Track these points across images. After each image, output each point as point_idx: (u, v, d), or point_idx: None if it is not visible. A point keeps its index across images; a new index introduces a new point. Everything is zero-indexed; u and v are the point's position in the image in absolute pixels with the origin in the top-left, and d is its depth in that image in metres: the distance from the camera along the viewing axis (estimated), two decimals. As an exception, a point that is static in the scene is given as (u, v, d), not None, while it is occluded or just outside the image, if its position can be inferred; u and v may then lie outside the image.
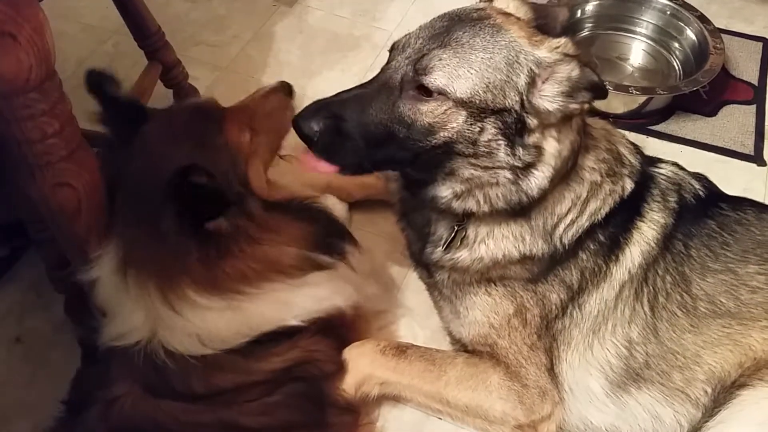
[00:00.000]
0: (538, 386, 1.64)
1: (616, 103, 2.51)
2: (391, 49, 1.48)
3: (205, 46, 2.80)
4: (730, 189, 1.84)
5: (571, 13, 1.61)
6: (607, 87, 2.32)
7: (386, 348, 1.72)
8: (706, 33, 2.60)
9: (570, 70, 1.38)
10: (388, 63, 1.46)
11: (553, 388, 1.65)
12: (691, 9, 2.70)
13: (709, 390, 1.59)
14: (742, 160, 2.46)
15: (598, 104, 2.45)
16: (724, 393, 1.56)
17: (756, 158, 2.46)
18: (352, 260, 1.73)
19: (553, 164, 1.47)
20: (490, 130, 1.41)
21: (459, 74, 1.36)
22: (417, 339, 1.94)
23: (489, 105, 1.38)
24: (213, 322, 1.49)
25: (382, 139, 1.42)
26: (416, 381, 1.69)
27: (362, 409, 1.74)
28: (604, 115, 2.48)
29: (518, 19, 1.48)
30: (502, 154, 1.43)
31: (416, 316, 2.00)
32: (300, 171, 1.96)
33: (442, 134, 1.40)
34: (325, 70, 2.71)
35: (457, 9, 1.48)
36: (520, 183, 1.48)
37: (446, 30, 1.41)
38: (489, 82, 1.37)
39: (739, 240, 1.65)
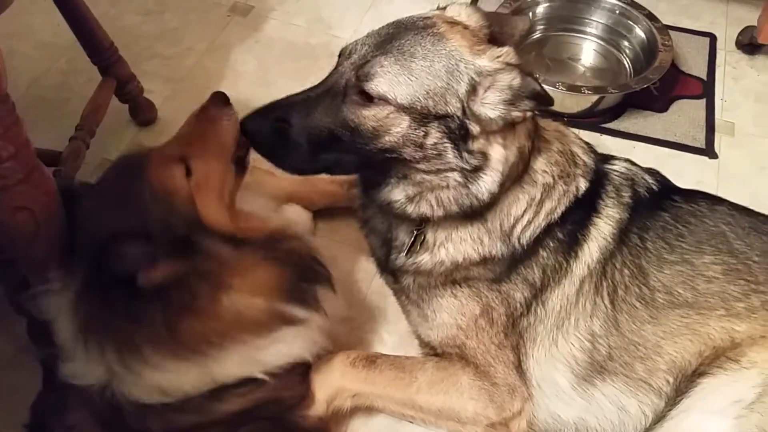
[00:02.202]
0: (507, 384, 1.66)
1: (570, 103, 2.55)
2: (340, 55, 1.51)
3: (160, 59, 2.77)
4: (683, 182, 1.88)
5: (530, 21, 1.63)
6: (559, 89, 2.39)
7: (356, 359, 1.72)
8: (655, 30, 2.66)
9: (511, 79, 1.40)
10: (335, 68, 1.50)
11: (521, 385, 1.68)
12: (639, 7, 2.75)
13: (671, 379, 1.62)
14: (694, 153, 2.51)
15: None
16: (685, 382, 1.59)
17: (707, 151, 2.52)
18: (326, 307, 1.65)
19: (500, 170, 1.50)
20: (435, 134, 1.44)
21: (399, 81, 1.40)
22: (385, 345, 1.95)
23: (431, 111, 1.42)
24: (175, 379, 1.45)
25: (327, 142, 1.46)
26: (388, 390, 1.70)
27: (332, 427, 1.74)
28: (558, 115, 2.53)
29: (465, 27, 1.50)
30: (450, 156, 1.46)
31: (383, 321, 2.01)
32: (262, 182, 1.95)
33: (387, 138, 1.44)
34: (282, 79, 2.71)
35: (405, 17, 1.50)
36: (470, 187, 1.51)
37: (391, 37, 1.44)
38: (429, 89, 1.41)
39: (694, 231, 1.69)
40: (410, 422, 1.78)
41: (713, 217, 1.72)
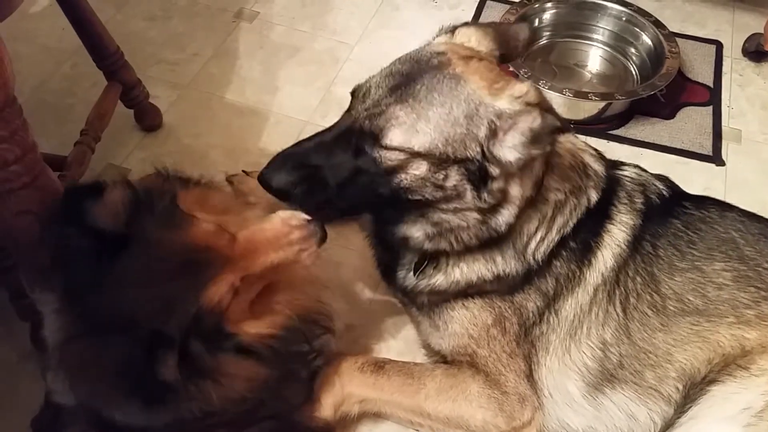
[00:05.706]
0: (517, 393, 1.65)
1: (577, 110, 2.54)
2: (353, 95, 1.46)
3: (166, 64, 2.76)
4: (690, 189, 1.87)
5: (530, 29, 1.60)
6: (566, 95, 2.39)
7: (364, 365, 1.71)
8: (662, 37, 2.65)
9: (531, 121, 1.37)
10: (348, 110, 1.45)
11: (532, 394, 1.67)
12: (645, 14, 2.75)
13: (681, 387, 1.61)
14: (701, 160, 2.50)
15: (559, 111, 2.51)
16: (694, 389, 1.58)
17: (715, 158, 2.51)
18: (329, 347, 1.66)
19: (518, 204, 1.50)
20: (455, 176, 1.42)
21: (417, 129, 1.37)
22: (390, 350, 1.94)
23: (450, 156, 1.40)
24: None
25: (350, 181, 1.42)
26: (396, 396, 1.68)
27: (338, 428, 1.72)
28: (565, 121, 2.52)
29: (480, 59, 1.46)
30: (469, 196, 1.45)
31: (389, 327, 1.99)
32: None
33: (403, 176, 1.41)
34: (288, 85, 2.71)
35: (418, 52, 1.46)
36: (489, 222, 1.51)
37: (406, 80, 1.39)
38: (448, 137, 1.38)
39: (704, 238, 1.68)
40: (417, 430, 1.76)
41: (723, 224, 1.71)
